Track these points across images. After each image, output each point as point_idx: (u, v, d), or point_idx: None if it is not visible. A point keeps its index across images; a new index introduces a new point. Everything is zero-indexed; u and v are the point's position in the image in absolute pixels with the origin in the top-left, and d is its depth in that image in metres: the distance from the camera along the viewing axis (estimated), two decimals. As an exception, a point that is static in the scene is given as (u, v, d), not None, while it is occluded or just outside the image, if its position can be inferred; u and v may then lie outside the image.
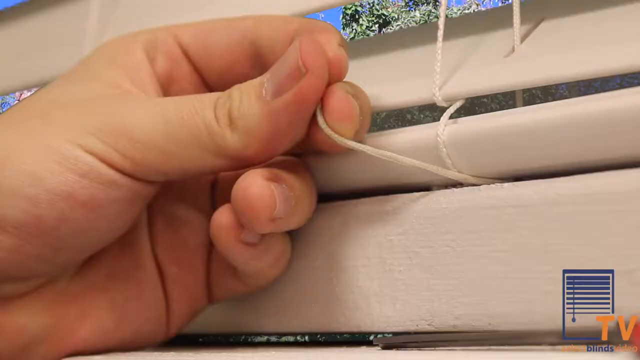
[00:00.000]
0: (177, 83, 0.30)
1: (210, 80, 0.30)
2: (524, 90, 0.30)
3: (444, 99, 0.28)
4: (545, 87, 0.26)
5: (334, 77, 0.26)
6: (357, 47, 0.37)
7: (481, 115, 0.27)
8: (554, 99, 0.25)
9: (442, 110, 0.28)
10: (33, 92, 0.33)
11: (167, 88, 0.30)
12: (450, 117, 0.27)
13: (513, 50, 0.28)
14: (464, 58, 0.29)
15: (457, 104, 0.28)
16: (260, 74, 0.27)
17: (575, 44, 0.27)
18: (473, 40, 0.31)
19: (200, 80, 0.30)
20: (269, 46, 0.28)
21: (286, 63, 0.25)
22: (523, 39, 0.28)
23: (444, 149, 0.26)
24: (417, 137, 0.27)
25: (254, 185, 0.26)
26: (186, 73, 0.30)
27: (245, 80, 0.27)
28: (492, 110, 0.27)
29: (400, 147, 0.27)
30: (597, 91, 0.24)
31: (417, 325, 0.27)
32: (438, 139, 0.26)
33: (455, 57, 0.30)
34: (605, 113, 0.23)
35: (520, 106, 0.30)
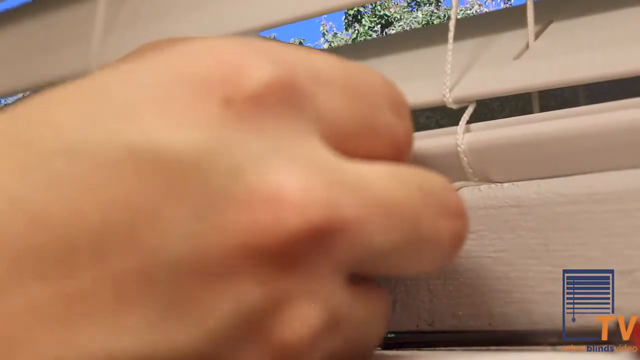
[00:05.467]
0: None
1: None
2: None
3: (455, 101, 0.27)
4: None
5: None
6: (365, 48, 0.36)
7: (497, 121, 0.26)
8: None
9: (443, 110, 0.27)
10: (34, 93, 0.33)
11: None
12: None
13: (527, 47, 0.28)
14: (474, 59, 0.29)
15: (470, 109, 0.27)
16: None
17: (589, 44, 0.26)
18: (482, 41, 0.31)
19: None
20: None
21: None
22: (535, 38, 0.28)
23: (464, 159, 0.26)
24: (434, 144, 0.27)
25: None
26: None
27: None
28: (508, 107, 0.27)
29: (416, 152, 0.27)
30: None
31: (417, 325, 0.27)
32: (458, 148, 0.26)
33: (465, 58, 0.29)
34: (629, 122, 0.23)
35: (536, 107, 0.30)
